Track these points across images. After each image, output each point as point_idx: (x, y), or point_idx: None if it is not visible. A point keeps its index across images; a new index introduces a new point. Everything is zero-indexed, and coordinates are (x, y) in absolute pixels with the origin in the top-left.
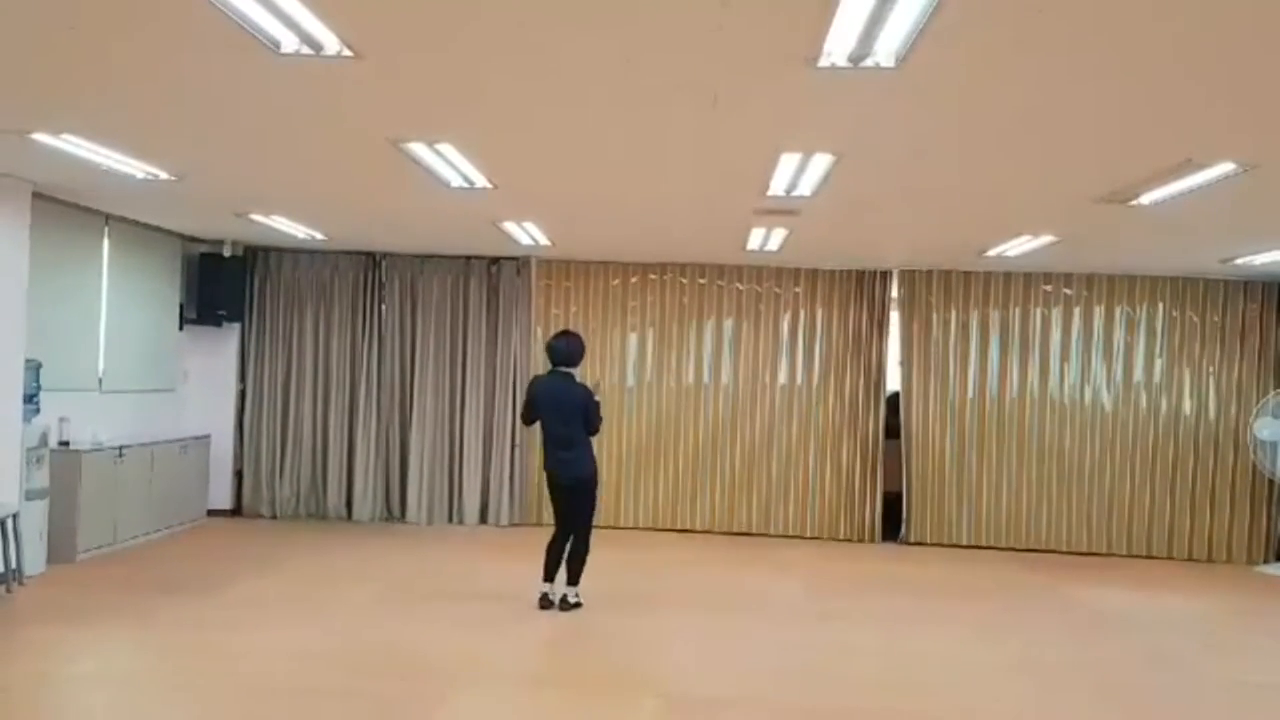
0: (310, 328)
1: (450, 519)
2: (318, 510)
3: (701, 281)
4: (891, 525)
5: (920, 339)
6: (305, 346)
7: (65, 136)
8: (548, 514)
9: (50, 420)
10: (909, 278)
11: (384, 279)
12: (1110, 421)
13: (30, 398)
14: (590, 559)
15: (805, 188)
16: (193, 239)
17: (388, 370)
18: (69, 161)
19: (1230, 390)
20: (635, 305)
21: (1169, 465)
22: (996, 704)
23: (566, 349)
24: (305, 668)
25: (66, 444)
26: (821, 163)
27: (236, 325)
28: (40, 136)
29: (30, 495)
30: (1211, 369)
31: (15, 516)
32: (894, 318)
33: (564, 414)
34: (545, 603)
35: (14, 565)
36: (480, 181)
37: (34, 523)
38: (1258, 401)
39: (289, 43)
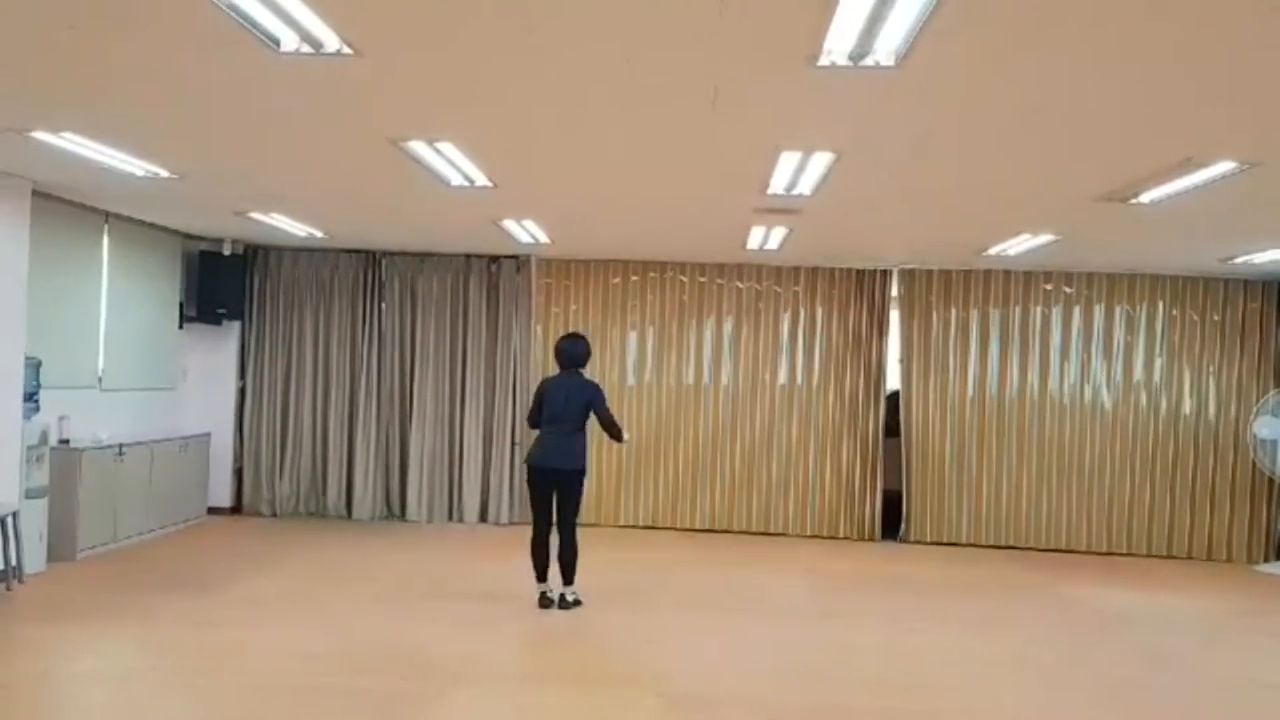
0: (310, 326)
1: (450, 517)
2: (318, 508)
3: (701, 280)
4: (891, 524)
5: (920, 337)
6: (305, 345)
7: (65, 135)
8: None
9: (50, 418)
10: (909, 276)
11: (384, 277)
12: (1110, 420)
13: (30, 396)
14: (590, 557)
15: (805, 186)
16: (192, 237)
17: (387, 368)
18: (69, 160)
19: (1230, 389)
20: (635, 304)
21: (1169, 464)
22: (996, 702)
23: (574, 350)
24: (305, 666)
25: (66, 442)
26: (821, 161)
27: (236, 323)
28: (40, 135)
29: (30, 493)
30: (1211, 368)
31: (15, 515)
32: (894, 316)
33: (570, 404)
34: (545, 602)
35: (14, 563)
36: (480, 180)
37: (34, 521)
38: (1258, 400)
39: (289, 41)
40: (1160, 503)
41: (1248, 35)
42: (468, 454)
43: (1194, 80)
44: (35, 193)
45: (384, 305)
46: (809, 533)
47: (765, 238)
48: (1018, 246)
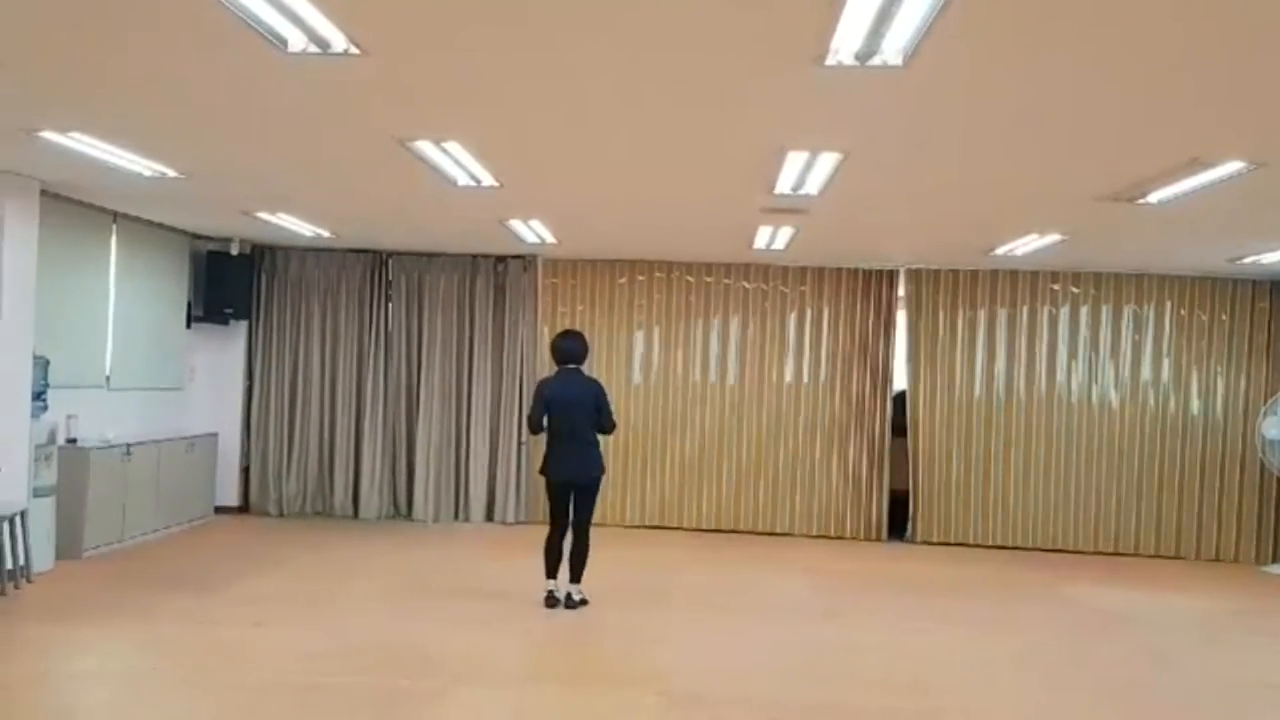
0: (317, 325)
1: (456, 516)
2: (324, 507)
3: (708, 280)
4: (898, 524)
5: (927, 337)
6: (312, 344)
7: (73, 134)
8: None
9: (58, 418)
10: (916, 276)
11: (391, 277)
12: (1118, 420)
13: (38, 395)
14: (595, 556)
15: (812, 186)
16: (200, 237)
17: (394, 368)
18: (77, 159)
19: (1238, 389)
20: (641, 303)
21: (1177, 464)
22: (999, 702)
23: (573, 348)
24: (311, 664)
25: (74, 441)
26: (828, 161)
27: (244, 323)
28: (48, 134)
29: (38, 492)
30: (1219, 368)
31: (23, 514)
32: (901, 316)
33: (579, 410)
34: (552, 600)
35: (21, 562)
36: (487, 180)
37: (41, 520)
38: (1266, 400)
39: (296, 41)
40: (1168, 503)
41: (1255, 36)
42: (474, 453)
43: (1201, 79)
44: (43, 192)
45: (391, 305)
46: (815, 533)
47: (772, 238)
48: (1025, 246)
